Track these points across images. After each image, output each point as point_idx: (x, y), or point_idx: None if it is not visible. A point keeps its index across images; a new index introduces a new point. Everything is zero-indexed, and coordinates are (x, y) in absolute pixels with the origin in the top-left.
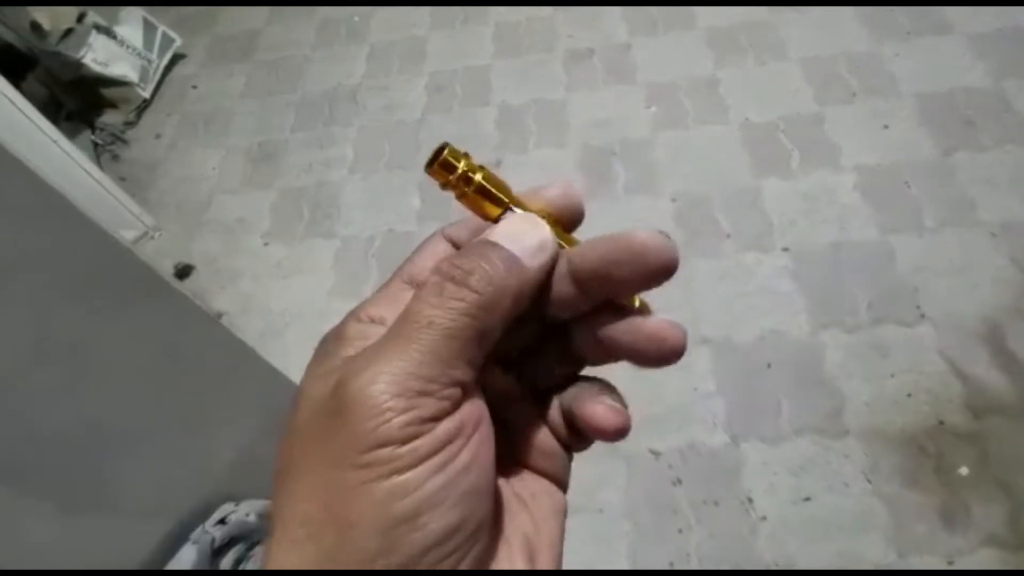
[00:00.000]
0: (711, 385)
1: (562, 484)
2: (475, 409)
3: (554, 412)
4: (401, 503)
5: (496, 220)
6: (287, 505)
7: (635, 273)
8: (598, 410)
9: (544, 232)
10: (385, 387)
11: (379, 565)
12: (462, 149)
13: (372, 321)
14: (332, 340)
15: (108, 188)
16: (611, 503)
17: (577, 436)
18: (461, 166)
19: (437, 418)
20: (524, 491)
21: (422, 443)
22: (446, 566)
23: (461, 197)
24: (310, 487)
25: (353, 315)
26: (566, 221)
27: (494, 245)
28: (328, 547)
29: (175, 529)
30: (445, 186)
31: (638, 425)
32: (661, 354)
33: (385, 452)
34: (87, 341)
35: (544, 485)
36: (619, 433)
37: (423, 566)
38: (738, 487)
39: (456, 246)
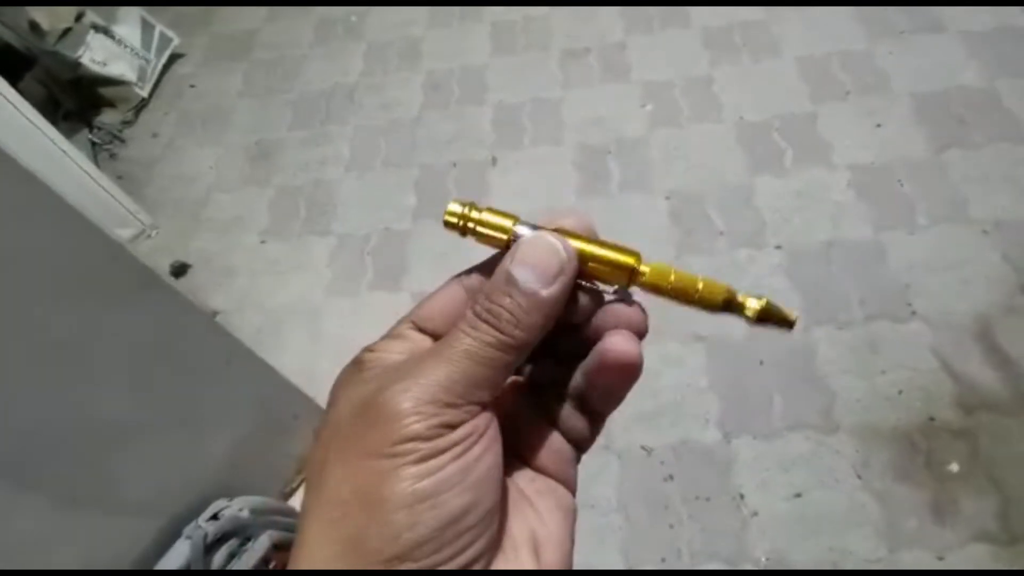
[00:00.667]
0: (704, 381)
1: (568, 485)
2: (488, 416)
3: (565, 412)
4: (423, 483)
5: (507, 246)
6: (322, 491)
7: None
8: (615, 340)
9: (560, 255)
10: (419, 395)
11: (404, 538)
12: (468, 199)
13: (385, 351)
14: (352, 367)
15: (105, 187)
16: (603, 498)
17: (592, 407)
18: (461, 212)
19: (457, 426)
20: (529, 489)
21: (443, 440)
22: (463, 543)
23: (478, 239)
24: (343, 474)
25: (367, 349)
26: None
27: (516, 282)
28: (358, 523)
29: (169, 524)
30: (464, 235)
31: (630, 421)
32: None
33: (411, 445)
34: (82, 339)
35: (550, 484)
36: (634, 359)
37: (443, 541)
38: (730, 483)
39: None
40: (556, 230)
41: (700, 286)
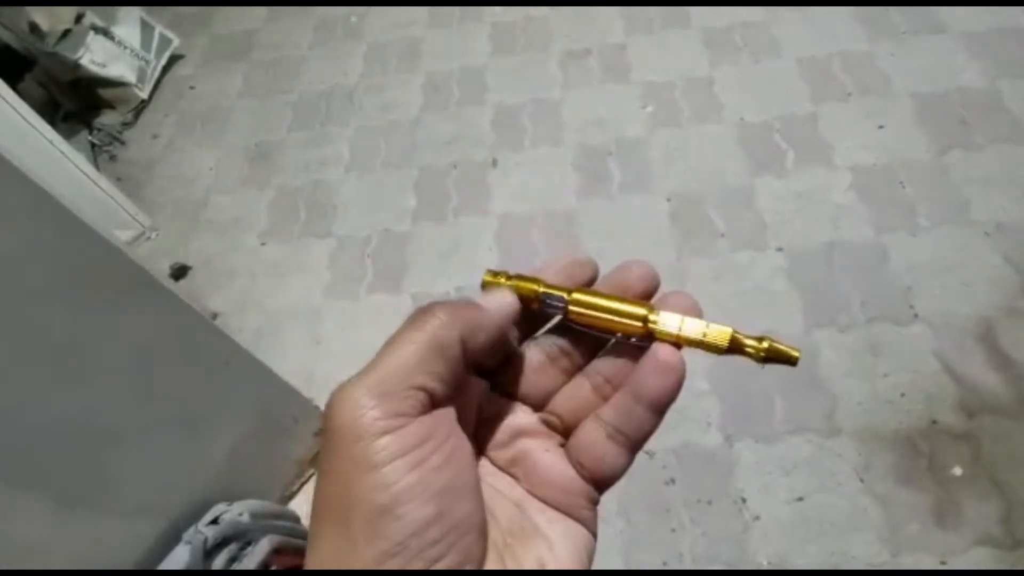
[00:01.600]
0: (705, 385)
1: (585, 523)
2: (445, 419)
3: (589, 434)
4: (381, 495)
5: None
6: (314, 499)
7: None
8: (661, 350)
9: (505, 297)
10: (357, 392)
11: (369, 554)
12: (500, 270)
13: None
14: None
15: (105, 188)
16: (604, 502)
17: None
18: (496, 279)
19: (404, 414)
20: (540, 519)
21: (393, 440)
22: (432, 554)
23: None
24: (319, 486)
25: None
26: (586, 278)
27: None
28: (332, 535)
29: (168, 529)
30: None
31: None
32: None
33: (361, 447)
34: (81, 341)
35: (561, 516)
36: (680, 364)
37: (408, 553)
38: (731, 487)
39: None
40: (575, 289)
41: (706, 331)
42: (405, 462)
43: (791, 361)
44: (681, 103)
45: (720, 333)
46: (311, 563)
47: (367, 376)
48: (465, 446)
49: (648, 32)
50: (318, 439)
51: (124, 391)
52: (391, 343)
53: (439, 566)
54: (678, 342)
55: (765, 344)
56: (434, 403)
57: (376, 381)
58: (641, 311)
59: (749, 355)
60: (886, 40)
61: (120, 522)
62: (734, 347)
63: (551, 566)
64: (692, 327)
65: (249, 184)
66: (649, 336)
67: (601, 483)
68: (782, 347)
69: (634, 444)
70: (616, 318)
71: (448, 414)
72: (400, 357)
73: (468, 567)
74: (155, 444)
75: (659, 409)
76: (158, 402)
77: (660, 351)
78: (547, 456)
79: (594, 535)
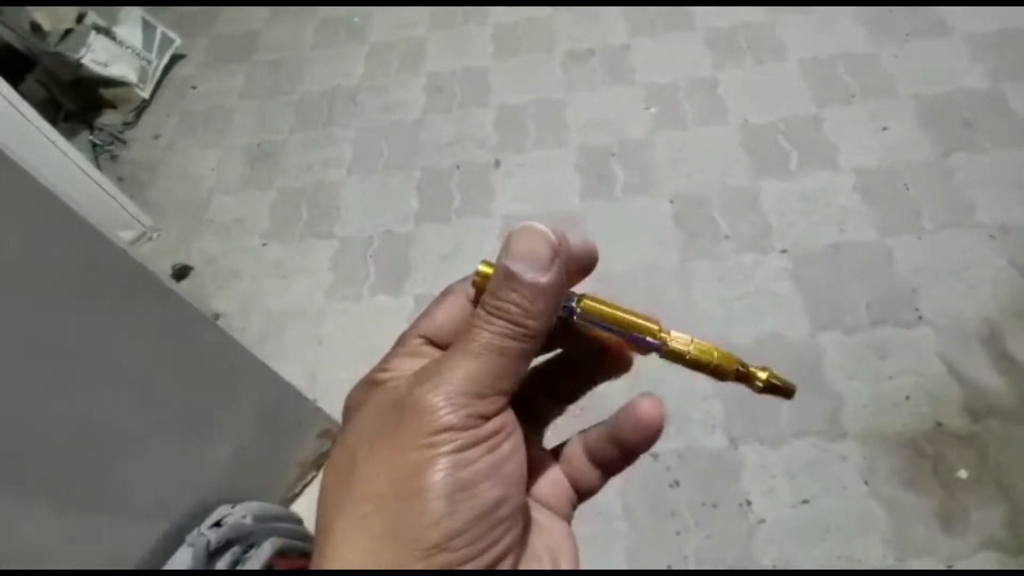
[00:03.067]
0: (709, 388)
1: (569, 525)
2: (511, 416)
3: (579, 462)
4: (463, 471)
5: None
6: (352, 490)
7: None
8: (643, 403)
9: (551, 240)
10: (449, 389)
11: (443, 526)
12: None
13: (397, 370)
14: (367, 385)
15: (106, 189)
16: (609, 505)
17: (614, 454)
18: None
19: (488, 416)
20: (538, 514)
21: (477, 432)
22: (496, 535)
23: None
24: (375, 470)
25: (380, 369)
26: (586, 264)
27: (515, 276)
28: (395, 513)
29: (171, 531)
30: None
31: None
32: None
33: (448, 435)
34: (83, 342)
35: (552, 515)
36: (659, 422)
37: (479, 532)
38: (736, 489)
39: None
40: (583, 296)
41: (716, 356)
42: (485, 446)
43: (788, 393)
44: (685, 105)
45: (728, 359)
46: (327, 557)
47: (457, 371)
48: (522, 441)
49: (651, 33)
50: (320, 440)
51: (127, 392)
52: (479, 336)
53: (499, 547)
54: (685, 363)
55: (764, 376)
56: (508, 402)
57: (468, 380)
58: (655, 326)
59: (750, 384)
60: (890, 42)
61: (123, 524)
62: (737, 376)
63: (562, 556)
64: (702, 351)
65: (251, 185)
66: (655, 349)
67: (580, 494)
68: (781, 382)
69: (608, 473)
70: (627, 332)
71: (512, 413)
72: (492, 360)
73: (516, 553)
74: (158, 446)
75: (630, 456)
76: (161, 403)
77: (641, 406)
78: (543, 456)
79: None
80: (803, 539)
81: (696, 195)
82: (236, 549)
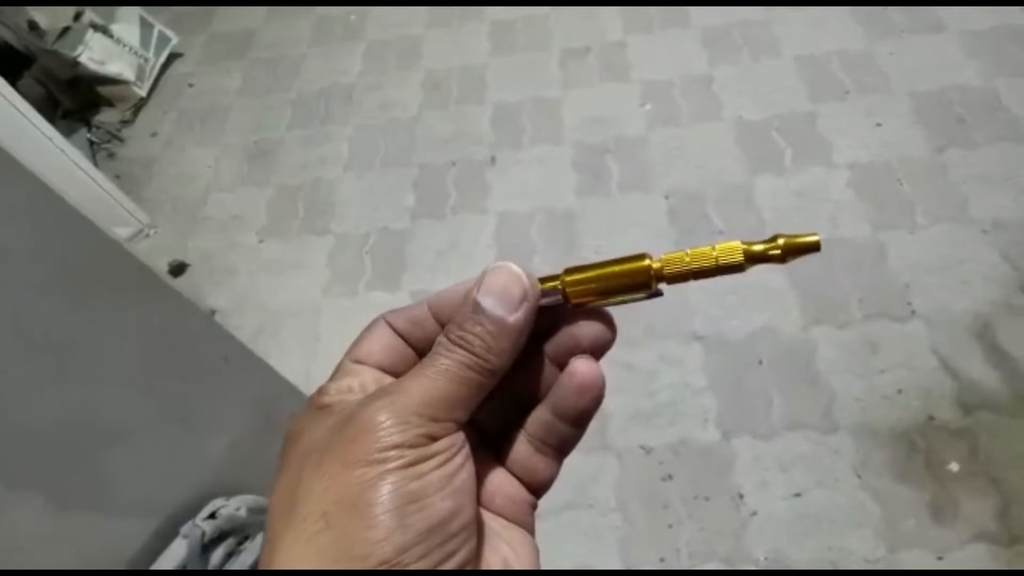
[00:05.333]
0: (703, 381)
1: (528, 529)
2: (463, 435)
3: (523, 455)
4: (412, 484)
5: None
6: (297, 510)
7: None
8: (579, 365)
9: (523, 282)
10: (401, 409)
11: (393, 541)
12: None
13: (340, 392)
14: (310, 409)
15: (103, 186)
16: (602, 498)
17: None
18: None
19: (438, 439)
20: (494, 524)
21: (426, 449)
22: (449, 548)
23: None
24: (323, 487)
25: (319, 392)
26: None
27: (483, 310)
28: (344, 530)
29: (166, 523)
30: None
31: (629, 421)
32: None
33: (396, 451)
34: (79, 337)
35: (509, 524)
36: (600, 378)
37: (430, 545)
38: (729, 482)
39: (399, 334)
40: (564, 271)
41: (716, 253)
42: (435, 461)
43: (813, 247)
44: (680, 101)
45: (731, 248)
46: (300, 562)
47: (414, 391)
48: (470, 454)
49: (647, 31)
50: None
51: (122, 387)
52: (439, 361)
53: (454, 560)
54: (691, 276)
55: (781, 242)
56: (458, 427)
57: (422, 404)
58: (643, 262)
59: (770, 259)
60: (885, 39)
61: (117, 517)
62: (751, 257)
63: (515, 564)
64: (701, 256)
65: (248, 182)
66: (659, 281)
67: (537, 491)
68: (799, 239)
69: (561, 454)
70: (619, 281)
71: (463, 434)
72: (448, 388)
73: (471, 566)
74: (153, 439)
75: (581, 424)
76: (156, 398)
77: (579, 368)
78: (491, 465)
79: (532, 534)
80: (795, 532)
81: (691, 191)
82: (231, 541)
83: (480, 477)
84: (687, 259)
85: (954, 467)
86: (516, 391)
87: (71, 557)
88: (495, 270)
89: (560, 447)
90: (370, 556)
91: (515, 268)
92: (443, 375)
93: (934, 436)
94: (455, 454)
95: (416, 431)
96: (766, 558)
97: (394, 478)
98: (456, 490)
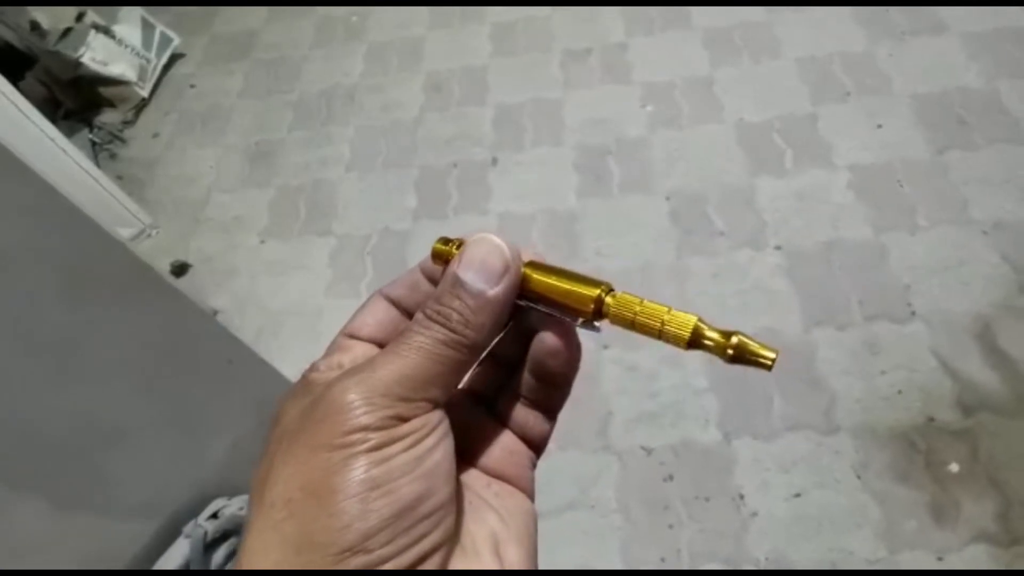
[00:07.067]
0: (704, 382)
1: (526, 490)
2: (440, 413)
3: (518, 411)
4: (376, 469)
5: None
6: (265, 497)
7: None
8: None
9: (504, 255)
10: (370, 388)
11: (355, 528)
12: (454, 238)
13: (329, 368)
14: (298, 384)
15: (105, 186)
16: (603, 499)
17: (542, 395)
18: (446, 249)
19: (409, 419)
20: (487, 492)
21: (394, 431)
22: (416, 533)
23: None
24: (290, 473)
25: (311, 369)
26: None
27: (463, 284)
28: (307, 518)
29: (169, 523)
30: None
31: (630, 422)
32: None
33: (361, 435)
34: (81, 337)
35: (508, 489)
36: (572, 340)
37: (396, 530)
38: (730, 483)
39: (396, 305)
40: (528, 264)
41: (666, 319)
42: (402, 444)
43: (765, 363)
44: (681, 103)
45: (683, 323)
46: (266, 550)
47: (384, 369)
48: (450, 434)
49: (649, 32)
50: None
51: (125, 387)
52: (412, 338)
53: (423, 544)
54: (632, 328)
55: (735, 341)
56: (436, 406)
57: (392, 381)
58: (594, 291)
59: (715, 353)
60: (886, 40)
61: (120, 517)
62: (695, 342)
63: (504, 537)
64: (652, 314)
65: (249, 183)
66: (600, 317)
67: (534, 447)
68: (754, 349)
69: (550, 412)
70: (562, 297)
71: (441, 411)
72: (422, 364)
73: (445, 550)
74: (156, 440)
75: (562, 385)
76: (159, 398)
77: (547, 339)
78: (490, 424)
79: (533, 499)
80: (796, 532)
81: (692, 192)
82: (233, 540)
83: (480, 438)
84: (637, 309)
85: (954, 468)
86: (506, 352)
87: (73, 557)
88: (476, 242)
89: (548, 405)
90: (333, 544)
91: (496, 239)
92: (417, 352)
93: (934, 437)
94: (427, 435)
95: (384, 412)
96: (767, 559)
97: (358, 463)
98: (426, 472)
